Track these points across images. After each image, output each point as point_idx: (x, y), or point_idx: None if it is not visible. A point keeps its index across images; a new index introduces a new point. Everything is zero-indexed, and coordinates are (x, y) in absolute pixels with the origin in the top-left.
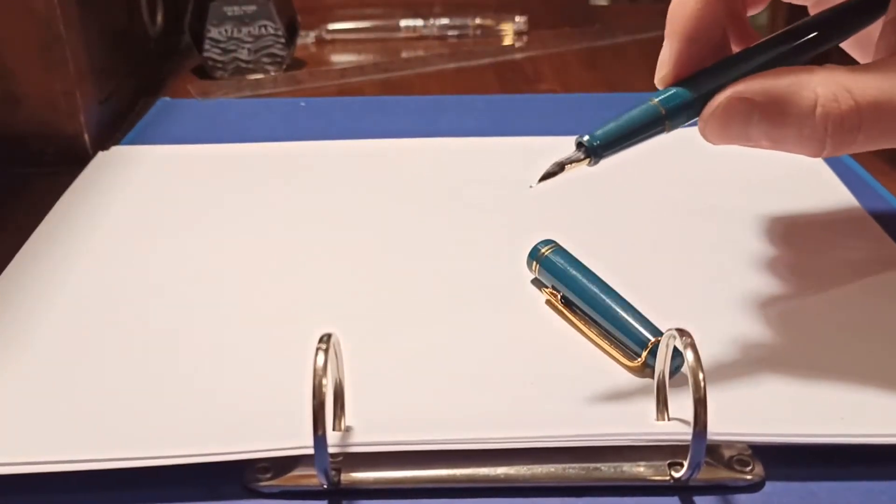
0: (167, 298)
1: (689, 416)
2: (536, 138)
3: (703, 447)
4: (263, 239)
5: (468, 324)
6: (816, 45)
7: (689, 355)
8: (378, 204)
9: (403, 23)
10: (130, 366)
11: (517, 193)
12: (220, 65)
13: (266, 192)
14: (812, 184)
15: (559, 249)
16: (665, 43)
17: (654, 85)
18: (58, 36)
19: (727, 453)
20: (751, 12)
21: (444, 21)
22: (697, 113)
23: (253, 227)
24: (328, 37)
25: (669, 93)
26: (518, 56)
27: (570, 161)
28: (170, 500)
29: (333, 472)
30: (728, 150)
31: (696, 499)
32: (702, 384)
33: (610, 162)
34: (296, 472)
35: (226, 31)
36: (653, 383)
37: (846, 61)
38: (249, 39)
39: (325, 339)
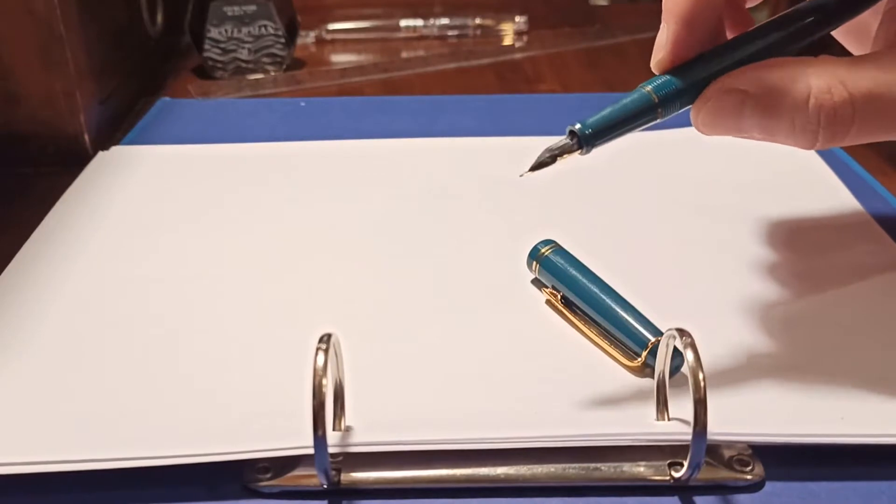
0: (167, 298)
1: (689, 416)
2: (537, 138)
3: (703, 447)
4: (264, 239)
5: (468, 324)
6: (813, 29)
7: (689, 355)
8: (378, 204)
9: (403, 23)
10: (130, 366)
11: (517, 193)
12: (220, 65)
13: (266, 192)
14: (812, 184)
15: (559, 249)
16: (662, 26)
17: None
18: (58, 36)
19: (727, 453)
20: (749, 4)
21: (444, 21)
22: (691, 101)
23: (253, 227)
24: (328, 37)
25: (662, 80)
26: (518, 56)
27: (562, 149)
28: (170, 500)
29: (333, 472)
30: (728, 150)
31: (696, 499)
32: (702, 384)
33: (610, 162)
34: (296, 472)
35: (226, 31)
36: (653, 383)
37: (844, 54)
38: (249, 39)
39: (325, 339)
